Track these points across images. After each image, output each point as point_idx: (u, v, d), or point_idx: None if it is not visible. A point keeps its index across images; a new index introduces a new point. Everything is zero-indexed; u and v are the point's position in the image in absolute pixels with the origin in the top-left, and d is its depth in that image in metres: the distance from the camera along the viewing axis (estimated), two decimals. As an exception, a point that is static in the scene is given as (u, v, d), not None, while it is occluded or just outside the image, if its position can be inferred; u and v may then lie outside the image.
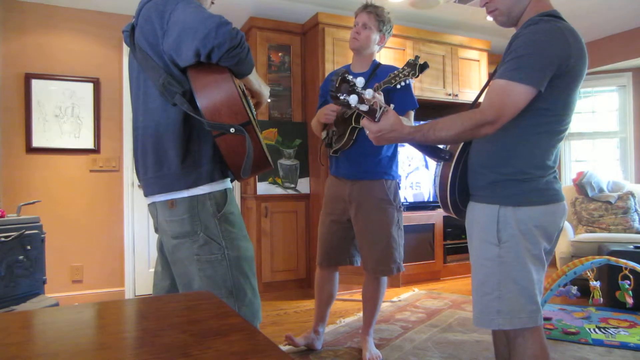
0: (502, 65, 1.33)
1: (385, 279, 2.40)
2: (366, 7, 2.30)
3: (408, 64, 2.11)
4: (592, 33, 4.52)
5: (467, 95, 4.29)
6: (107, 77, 3.72)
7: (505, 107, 1.25)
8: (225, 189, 1.37)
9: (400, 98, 2.19)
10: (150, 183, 1.37)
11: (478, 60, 4.49)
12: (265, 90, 1.51)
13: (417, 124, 1.41)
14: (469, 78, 4.42)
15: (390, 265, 2.28)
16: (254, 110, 1.50)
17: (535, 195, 1.35)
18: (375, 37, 2.31)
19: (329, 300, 2.48)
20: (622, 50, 4.47)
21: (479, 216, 1.43)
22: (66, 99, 3.57)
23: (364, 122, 1.32)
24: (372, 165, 2.29)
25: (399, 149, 2.49)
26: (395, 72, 2.14)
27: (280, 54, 3.92)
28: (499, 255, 1.35)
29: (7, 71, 3.42)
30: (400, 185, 4.17)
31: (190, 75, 1.27)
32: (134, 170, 4.05)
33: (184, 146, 1.30)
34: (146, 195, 1.42)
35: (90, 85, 3.64)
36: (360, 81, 1.26)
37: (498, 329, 1.40)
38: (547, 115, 1.33)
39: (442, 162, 1.50)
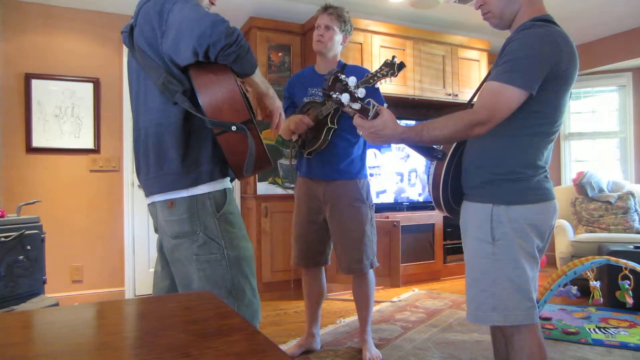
0: (495, 68, 1.35)
1: (372, 277, 2.40)
2: (327, 9, 2.31)
3: (386, 64, 2.12)
4: (592, 33, 4.52)
5: (467, 95, 4.29)
6: (107, 77, 3.72)
7: (497, 108, 1.28)
8: (225, 189, 1.37)
9: (371, 98, 2.19)
10: (151, 183, 1.37)
11: (478, 60, 4.49)
12: (273, 96, 1.45)
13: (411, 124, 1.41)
14: (469, 78, 4.42)
15: (363, 262, 2.30)
16: (253, 109, 1.49)
17: (527, 194, 1.38)
18: (339, 37, 2.33)
19: (318, 300, 2.49)
20: (622, 50, 4.47)
21: (473, 215, 1.45)
22: (66, 99, 3.57)
23: (357, 120, 1.32)
24: (345, 165, 2.31)
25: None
26: (374, 71, 2.16)
27: (280, 54, 3.92)
28: (493, 253, 1.38)
29: (7, 71, 3.42)
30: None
31: (191, 74, 1.27)
32: (134, 170, 4.04)
33: (184, 146, 1.30)
34: (147, 195, 1.42)
35: (90, 85, 3.64)
36: (352, 80, 1.26)
37: (493, 325, 1.42)
38: (538, 117, 1.36)
39: (435, 162, 1.51)
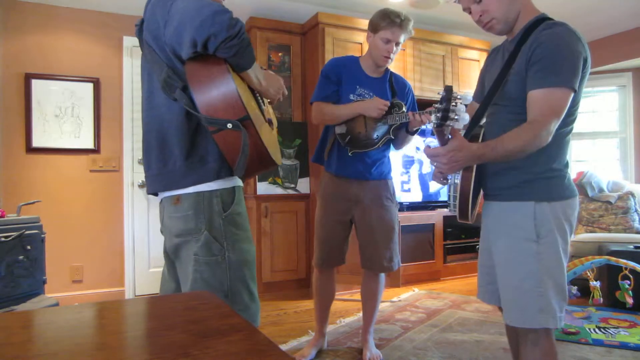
0: (529, 69, 1.34)
1: (384, 276, 2.42)
2: (403, 25, 2.21)
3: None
4: (592, 33, 4.52)
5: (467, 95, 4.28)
6: (107, 77, 3.72)
7: (557, 112, 1.30)
8: (234, 187, 1.31)
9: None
10: (154, 180, 1.33)
11: (478, 60, 4.49)
12: (270, 87, 1.39)
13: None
14: (469, 78, 4.42)
15: (394, 260, 2.34)
16: (262, 105, 1.41)
17: (564, 190, 1.41)
18: None
19: (331, 300, 2.49)
20: (622, 50, 4.47)
21: (510, 214, 1.43)
22: (66, 99, 3.57)
23: (430, 151, 1.33)
24: (379, 166, 2.33)
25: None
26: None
27: (280, 54, 3.92)
28: (537, 251, 1.36)
29: (7, 71, 3.42)
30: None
31: (186, 69, 1.22)
32: (134, 170, 4.04)
33: (189, 142, 1.26)
34: (149, 192, 1.39)
35: (90, 85, 3.64)
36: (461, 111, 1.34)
37: (540, 327, 1.37)
38: (568, 113, 1.36)
39: (460, 171, 1.48)
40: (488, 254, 1.53)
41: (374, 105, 2.17)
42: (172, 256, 1.36)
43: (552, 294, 1.35)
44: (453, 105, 1.33)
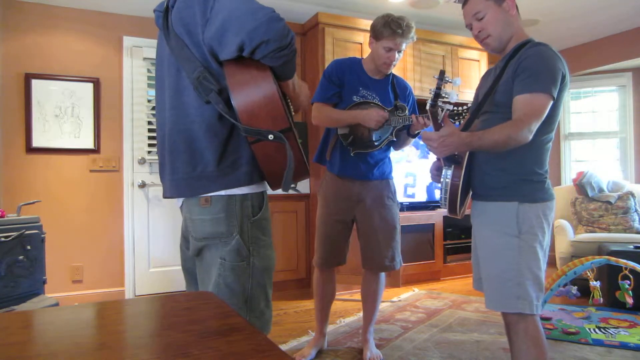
0: (515, 78, 1.52)
1: (384, 276, 2.42)
2: (405, 34, 2.18)
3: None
4: (592, 33, 4.51)
5: (467, 95, 4.29)
6: (107, 77, 3.72)
7: (537, 115, 1.46)
8: (263, 192, 1.27)
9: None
10: (180, 184, 1.24)
11: (478, 60, 4.49)
12: (302, 94, 1.34)
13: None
14: (469, 78, 4.42)
15: (396, 259, 2.35)
16: (292, 111, 1.36)
17: (544, 192, 1.57)
18: None
19: (331, 300, 2.49)
20: (622, 50, 4.47)
21: (496, 213, 1.59)
22: (66, 99, 3.57)
23: (427, 134, 1.47)
24: (381, 166, 2.34)
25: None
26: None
27: (280, 54, 3.92)
28: (518, 246, 1.53)
29: (7, 71, 3.42)
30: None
31: (226, 70, 1.14)
32: (133, 170, 4.01)
33: (222, 147, 1.19)
34: (168, 195, 1.31)
35: (90, 85, 3.64)
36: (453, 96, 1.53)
37: (517, 312, 1.53)
38: (548, 122, 1.54)
39: (452, 167, 1.61)
40: (477, 249, 1.70)
41: (372, 117, 2.16)
42: (194, 261, 1.29)
43: (529, 283, 1.51)
44: (444, 86, 1.52)
